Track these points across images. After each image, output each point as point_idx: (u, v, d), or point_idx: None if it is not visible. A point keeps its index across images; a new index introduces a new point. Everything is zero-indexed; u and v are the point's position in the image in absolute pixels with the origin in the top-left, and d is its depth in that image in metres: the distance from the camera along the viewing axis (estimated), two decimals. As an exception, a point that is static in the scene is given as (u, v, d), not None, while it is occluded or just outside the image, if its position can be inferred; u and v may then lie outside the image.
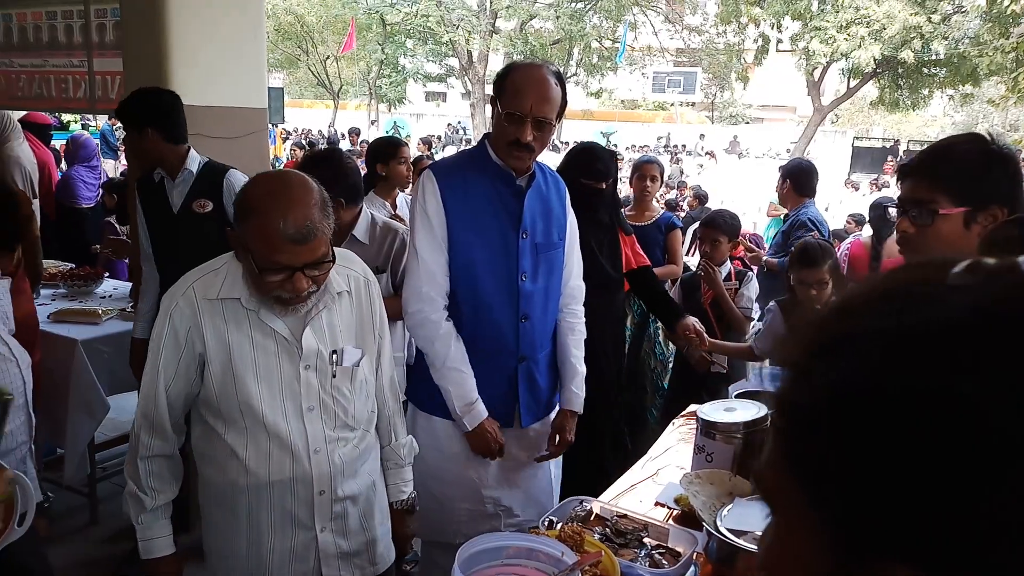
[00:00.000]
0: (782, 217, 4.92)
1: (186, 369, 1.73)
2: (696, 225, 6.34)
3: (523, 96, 2.11)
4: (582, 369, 2.44)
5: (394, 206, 3.99)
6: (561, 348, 2.44)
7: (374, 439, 1.96)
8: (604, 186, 3.13)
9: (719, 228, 3.80)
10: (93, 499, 3.63)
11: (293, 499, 1.79)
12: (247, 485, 1.76)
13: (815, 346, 0.44)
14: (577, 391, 2.41)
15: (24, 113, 5.74)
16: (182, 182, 3.06)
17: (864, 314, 0.42)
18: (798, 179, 4.56)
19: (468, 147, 2.44)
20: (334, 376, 1.79)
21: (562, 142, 23.58)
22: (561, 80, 2.19)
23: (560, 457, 2.49)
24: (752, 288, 3.82)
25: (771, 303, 3.47)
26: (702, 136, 30.83)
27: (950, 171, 1.62)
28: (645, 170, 4.46)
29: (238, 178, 3.08)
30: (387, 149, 3.95)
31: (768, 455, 0.48)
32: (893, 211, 4.77)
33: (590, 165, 3.10)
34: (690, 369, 3.75)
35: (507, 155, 2.19)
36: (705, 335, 3.17)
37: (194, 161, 3.07)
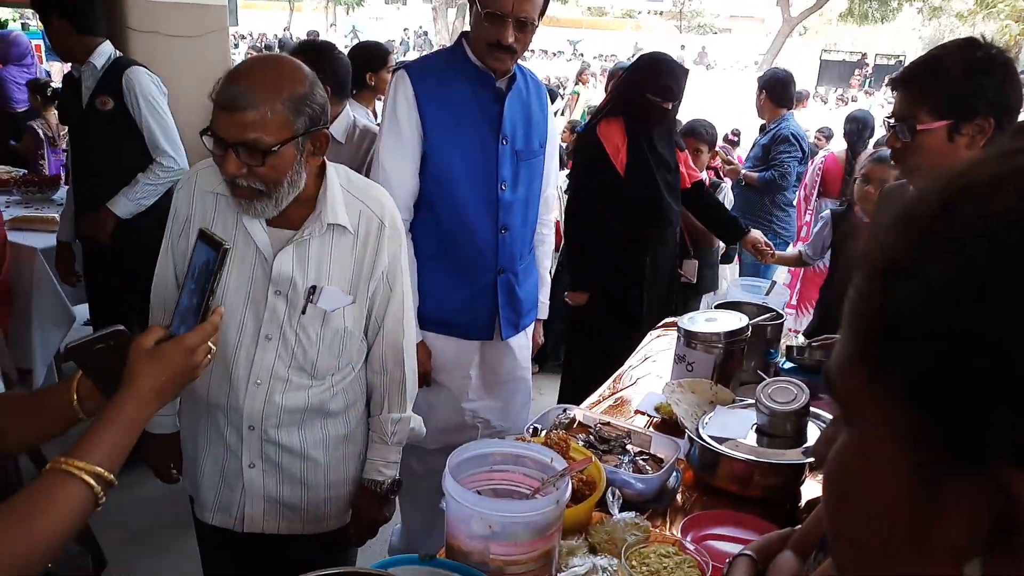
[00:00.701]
0: (759, 128, 4.85)
1: (183, 256, 1.63)
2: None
3: None
4: (548, 278, 2.49)
5: (375, 115, 3.84)
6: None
7: (351, 400, 1.76)
8: (670, 107, 2.92)
9: (700, 137, 3.73)
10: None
11: (226, 423, 1.68)
12: (191, 396, 1.71)
13: (922, 237, 0.40)
14: (545, 300, 2.47)
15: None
16: (89, 76, 2.89)
17: (991, 197, 0.38)
18: (775, 89, 4.48)
19: (444, 47, 2.33)
20: (303, 312, 1.61)
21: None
22: None
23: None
24: (727, 200, 3.80)
25: (825, 211, 3.48)
26: (683, 47, 30.26)
27: (932, 84, 1.62)
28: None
29: (139, 75, 2.90)
30: (377, 56, 3.73)
31: (845, 359, 0.44)
32: (874, 124, 4.76)
33: (661, 80, 2.86)
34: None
35: (487, 56, 2.08)
36: (772, 247, 3.18)
37: (102, 56, 2.88)
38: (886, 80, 19.96)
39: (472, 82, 2.12)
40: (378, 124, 3.53)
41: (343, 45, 22.39)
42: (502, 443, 1.50)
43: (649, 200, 2.89)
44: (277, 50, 14.38)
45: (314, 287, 1.60)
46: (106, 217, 2.91)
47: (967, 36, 1.66)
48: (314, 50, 2.63)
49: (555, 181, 2.43)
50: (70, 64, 3.00)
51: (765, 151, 4.55)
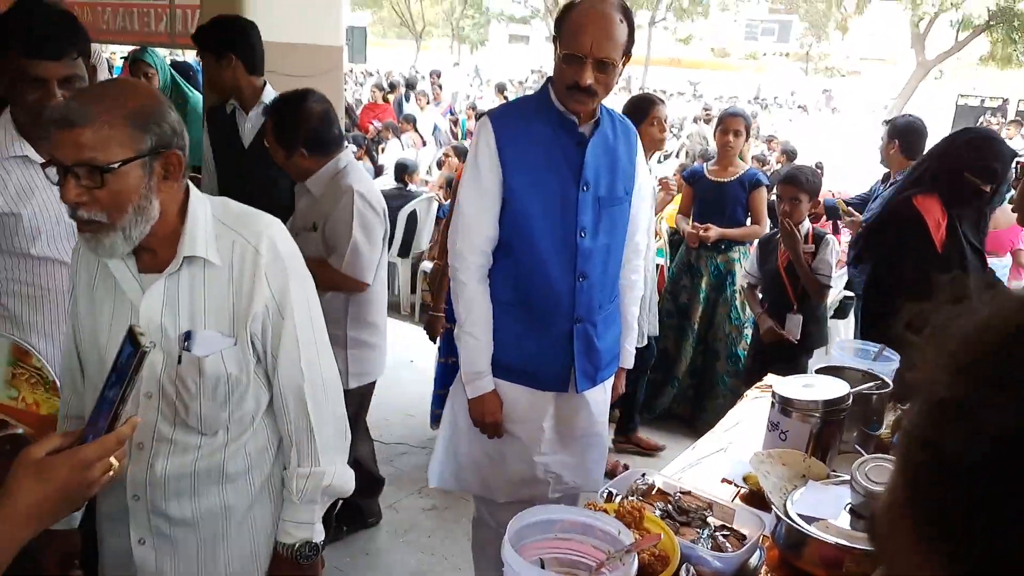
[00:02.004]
0: (882, 179, 4.56)
1: (82, 322, 1.52)
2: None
3: (582, 34, 1.94)
4: (636, 326, 2.41)
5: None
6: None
7: (253, 459, 1.56)
8: (989, 189, 2.75)
9: (799, 185, 3.52)
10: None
11: (109, 493, 1.46)
12: None
13: (985, 375, 0.33)
14: (630, 348, 2.40)
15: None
16: (256, 116, 3.00)
17: None
18: (908, 140, 4.10)
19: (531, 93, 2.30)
20: (179, 362, 1.43)
21: (643, 88, 22.90)
22: (628, 16, 2.00)
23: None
24: (832, 253, 3.60)
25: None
26: (792, 94, 29.51)
27: None
28: (729, 123, 4.23)
29: None
30: (639, 108, 3.59)
31: (890, 498, 0.38)
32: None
33: (985, 160, 2.70)
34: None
35: (567, 99, 2.03)
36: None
37: (270, 96, 3.00)
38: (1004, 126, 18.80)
39: (554, 127, 2.08)
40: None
41: (467, 84, 22.80)
42: (569, 510, 1.44)
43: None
44: (403, 89, 14.77)
45: (188, 332, 1.43)
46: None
47: None
48: (287, 109, 2.54)
49: (645, 227, 2.37)
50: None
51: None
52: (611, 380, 2.37)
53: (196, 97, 4.18)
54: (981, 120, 22.99)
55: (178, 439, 1.47)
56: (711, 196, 4.27)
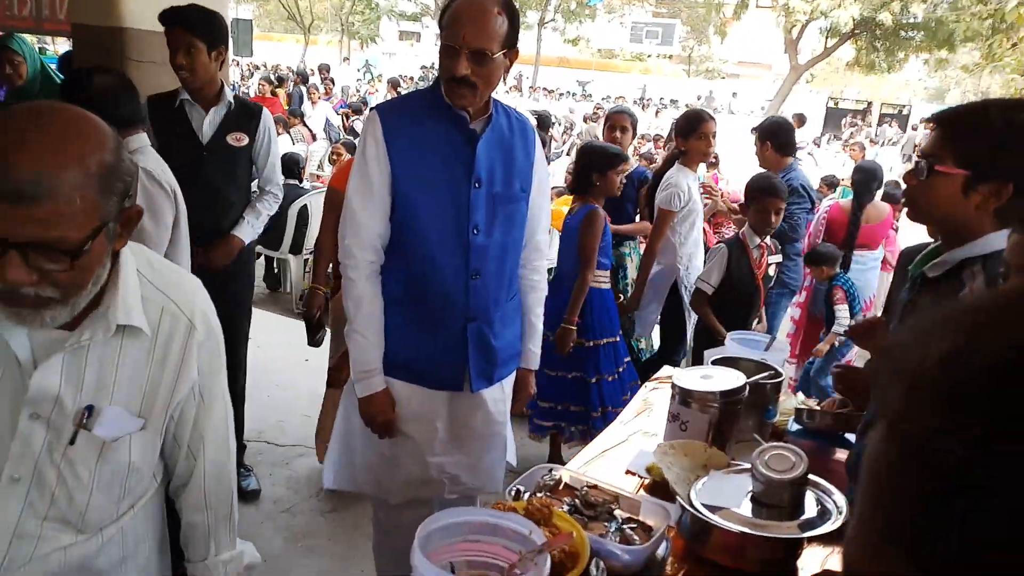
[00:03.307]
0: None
1: None
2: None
3: (456, 25, 1.91)
4: (540, 327, 2.34)
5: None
6: (522, 306, 2.30)
7: (129, 550, 1.34)
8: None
9: (780, 195, 3.45)
10: None
11: None
12: None
13: (977, 388, 0.32)
14: (535, 349, 2.33)
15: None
16: (216, 112, 2.95)
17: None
18: (778, 139, 4.30)
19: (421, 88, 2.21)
20: (72, 443, 1.19)
21: (533, 88, 23.15)
22: (509, 10, 1.96)
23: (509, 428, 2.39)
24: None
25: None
26: (705, 96, 30.49)
27: (967, 132, 1.53)
28: (616, 120, 4.30)
29: (268, 114, 3.09)
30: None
31: (864, 534, 0.36)
32: (883, 176, 4.69)
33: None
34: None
35: (449, 93, 1.99)
36: None
37: (229, 93, 2.99)
38: (917, 122, 20.02)
39: (445, 122, 2.03)
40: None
41: (355, 79, 22.46)
42: (477, 511, 1.42)
43: None
44: (292, 83, 14.32)
45: (90, 407, 1.19)
46: (236, 245, 3.05)
47: (1018, 99, 1.59)
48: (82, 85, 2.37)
49: (546, 226, 2.31)
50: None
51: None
52: (510, 379, 2.32)
53: None
54: (844, 122, 24.54)
55: (46, 536, 1.21)
56: (601, 193, 4.33)
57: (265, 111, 3.11)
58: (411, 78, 21.09)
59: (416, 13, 31.33)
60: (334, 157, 5.73)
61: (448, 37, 1.93)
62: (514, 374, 2.33)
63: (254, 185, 3.25)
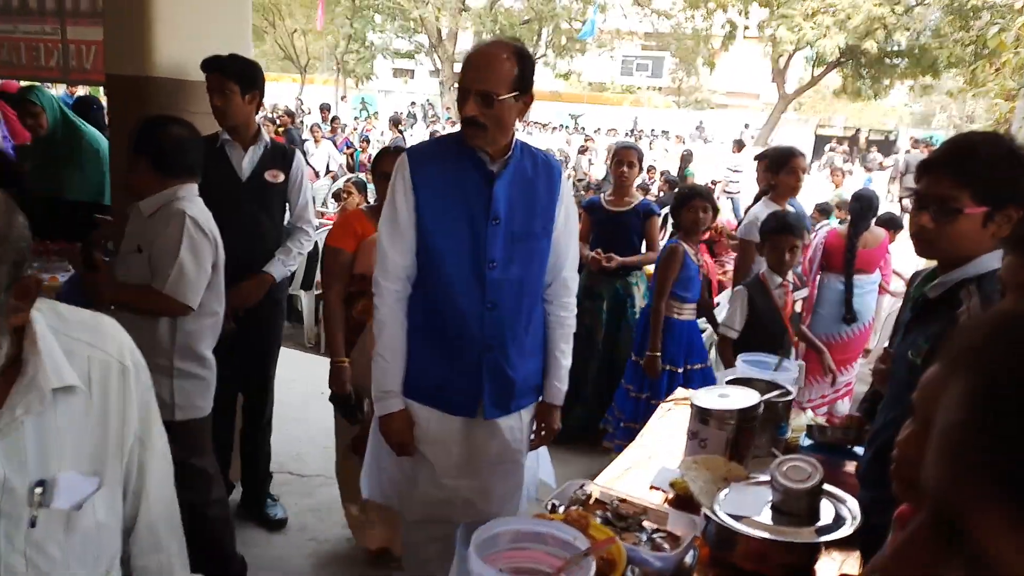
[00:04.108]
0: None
1: None
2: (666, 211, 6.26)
3: (467, 69, 2.08)
4: (566, 363, 2.36)
5: None
6: (547, 341, 2.35)
7: None
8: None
9: (798, 234, 3.41)
10: None
11: None
12: None
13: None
14: (560, 385, 2.35)
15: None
16: (256, 150, 3.15)
17: None
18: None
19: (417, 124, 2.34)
20: (32, 526, 1.10)
21: (527, 122, 23.41)
22: (522, 57, 2.10)
23: (545, 453, 2.47)
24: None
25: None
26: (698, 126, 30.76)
27: (977, 170, 1.62)
28: (623, 156, 4.45)
29: (302, 159, 3.32)
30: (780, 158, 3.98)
31: (951, 471, 0.47)
32: (878, 203, 4.84)
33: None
34: None
35: (465, 134, 2.14)
36: None
37: (265, 134, 3.20)
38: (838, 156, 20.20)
39: (466, 162, 2.17)
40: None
41: (352, 116, 22.64)
42: (523, 520, 1.53)
43: None
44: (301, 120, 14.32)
45: (42, 482, 1.10)
46: (267, 281, 3.20)
47: (991, 131, 1.69)
48: (161, 128, 2.52)
49: (572, 264, 2.34)
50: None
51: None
52: (529, 410, 2.36)
53: (92, 132, 4.04)
54: (827, 148, 24.87)
55: None
56: (609, 226, 4.48)
57: (298, 152, 3.32)
58: (407, 115, 21.41)
59: (410, 51, 31.79)
60: (344, 195, 5.85)
61: (461, 80, 2.10)
62: (534, 406, 2.37)
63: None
